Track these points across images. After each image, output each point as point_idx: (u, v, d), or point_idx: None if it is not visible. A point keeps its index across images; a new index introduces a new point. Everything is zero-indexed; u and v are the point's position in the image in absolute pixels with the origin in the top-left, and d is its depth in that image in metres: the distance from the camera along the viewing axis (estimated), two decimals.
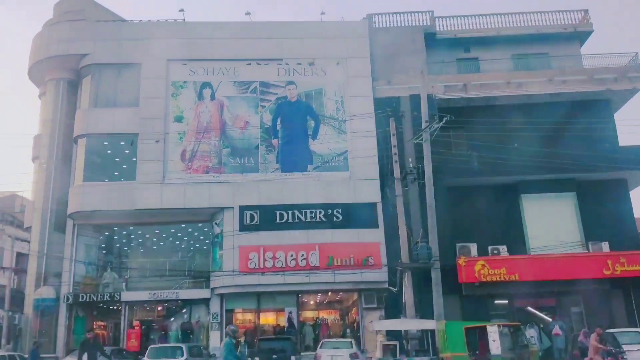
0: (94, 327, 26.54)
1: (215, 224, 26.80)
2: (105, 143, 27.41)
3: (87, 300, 26.09)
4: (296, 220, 25.94)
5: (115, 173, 27.29)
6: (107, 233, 28.98)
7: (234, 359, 11.57)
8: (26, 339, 27.58)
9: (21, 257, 36.91)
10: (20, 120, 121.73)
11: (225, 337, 12.20)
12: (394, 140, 24.02)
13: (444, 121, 20.45)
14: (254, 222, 25.89)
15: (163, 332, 26.43)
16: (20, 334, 32.35)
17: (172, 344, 21.85)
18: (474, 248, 25.23)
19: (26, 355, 23.80)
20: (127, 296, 26.25)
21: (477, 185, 26.43)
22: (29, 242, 29.37)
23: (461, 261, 24.47)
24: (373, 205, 26.05)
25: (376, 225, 25.70)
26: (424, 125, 21.48)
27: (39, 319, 26.97)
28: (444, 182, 25.41)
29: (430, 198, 20.78)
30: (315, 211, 26.13)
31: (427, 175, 21.01)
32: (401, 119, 25.97)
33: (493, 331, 15.95)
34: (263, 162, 27.21)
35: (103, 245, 29.11)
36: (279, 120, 27.85)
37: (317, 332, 26.09)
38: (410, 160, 24.50)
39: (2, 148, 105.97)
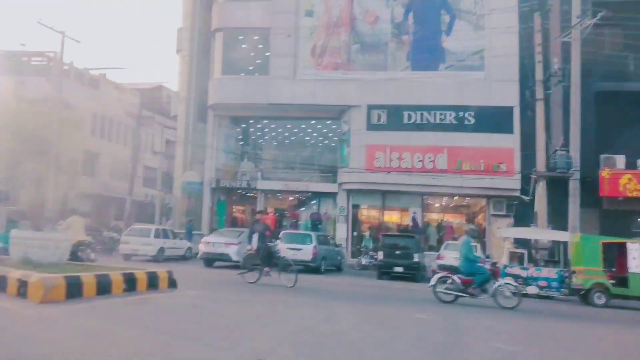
0: (233, 210, 29.52)
1: (344, 121, 27.50)
2: (240, 37, 28.60)
3: (227, 186, 28.82)
4: (424, 122, 25.74)
5: (250, 67, 28.63)
6: (243, 125, 31.05)
7: (474, 257, 12.11)
8: (175, 216, 31.52)
9: (169, 143, 41.12)
10: (166, 12, 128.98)
11: (465, 235, 12.58)
12: (538, 38, 22.15)
13: (598, 17, 18.50)
14: (381, 122, 26.16)
15: (294, 220, 28.63)
16: (170, 212, 37.06)
17: (302, 231, 23.73)
18: (620, 160, 23.48)
19: (177, 230, 27.37)
20: (262, 185, 28.50)
21: (631, 91, 23.99)
22: (175, 129, 32.48)
23: (605, 173, 23.02)
24: (509, 109, 24.92)
25: (511, 131, 24.74)
26: (574, 21, 19.58)
27: (186, 200, 30.52)
28: (593, 86, 23.37)
29: (575, 103, 19.40)
30: (446, 113, 25.65)
31: (573, 78, 19.50)
32: (548, 13, 23.79)
33: (634, 248, 15.34)
34: (392, 59, 26.80)
35: (240, 137, 31.33)
36: (410, 15, 26.83)
37: (441, 234, 26.68)
38: (555, 60, 22.64)
39: (150, 41, 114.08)
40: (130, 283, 10.50)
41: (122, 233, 25.39)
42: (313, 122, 30.13)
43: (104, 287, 9.76)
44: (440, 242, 25.29)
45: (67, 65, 29.19)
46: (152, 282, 11.12)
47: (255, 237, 13.85)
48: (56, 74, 27.08)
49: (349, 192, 26.95)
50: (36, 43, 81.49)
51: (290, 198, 30.38)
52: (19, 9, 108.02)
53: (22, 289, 8.74)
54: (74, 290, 9.08)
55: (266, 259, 13.61)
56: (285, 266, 13.76)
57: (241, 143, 31.36)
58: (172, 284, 11.61)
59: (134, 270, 11.30)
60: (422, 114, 25.79)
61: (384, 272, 20.02)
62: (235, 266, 19.83)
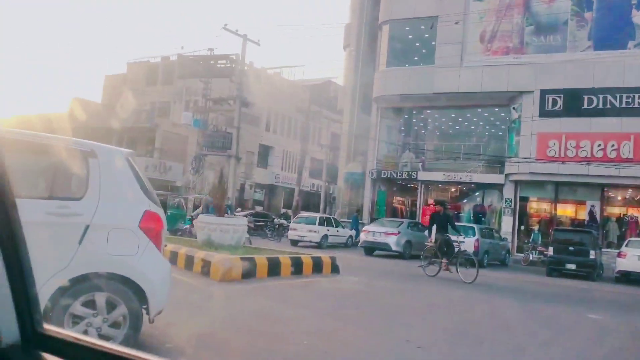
0: (394, 201, 29.69)
1: (513, 108, 25.95)
2: (407, 28, 28.55)
3: (388, 177, 29.09)
4: (608, 106, 23.15)
5: (415, 58, 28.45)
6: (405, 116, 31.02)
7: None
8: (338, 206, 32.74)
9: (335, 136, 42.80)
10: (334, 10, 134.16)
11: None
12: None
13: None
14: (556, 107, 24.14)
15: (456, 212, 27.91)
16: (334, 202, 38.63)
17: (464, 224, 22.99)
18: None
19: (341, 219, 28.41)
20: (423, 176, 28.26)
21: None
22: (341, 123, 33.69)
23: None
24: None
25: None
26: None
27: (348, 190, 31.52)
28: None
29: None
30: (634, 96, 22.79)
31: None
32: None
33: None
34: (572, 39, 24.50)
35: (402, 128, 31.37)
36: None
37: (623, 229, 23.91)
38: None
39: (318, 38, 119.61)
40: (298, 266, 11.27)
41: (290, 220, 27.16)
42: (479, 110, 28.94)
43: (274, 269, 10.64)
44: (621, 238, 22.67)
45: (247, 65, 31.92)
46: (317, 266, 11.79)
47: (434, 229, 13.39)
48: (237, 74, 29.79)
49: (517, 183, 25.44)
50: (222, 47, 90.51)
51: (453, 189, 29.63)
52: (206, 16, 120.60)
53: (205, 268, 9.93)
54: (249, 270, 10.05)
55: (444, 251, 13.15)
56: (465, 260, 13.34)
57: (403, 134, 31.36)
58: (335, 269, 12.17)
59: (301, 255, 12.10)
60: (605, 98, 23.26)
61: (554, 268, 18.58)
62: (394, 256, 20.02)
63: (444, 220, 13.56)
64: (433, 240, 13.42)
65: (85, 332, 4.14)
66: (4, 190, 0.94)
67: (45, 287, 3.88)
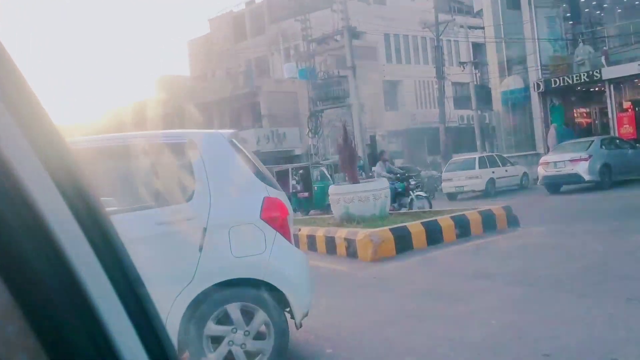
0: (574, 115, 28.09)
1: None
2: None
3: (561, 84, 27.34)
4: None
5: None
6: None
7: None
8: (501, 138, 31.60)
9: (477, 47, 41.07)
10: None
11: None
12: None
13: None
14: None
15: None
16: (493, 134, 37.33)
17: None
18: None
19: (506, 154, 27.46)
20: (609, 73, 26.12)
21: None
22: (482, 28, 32.17)
23: None
24: None
25: None
26: None
27: (510, 114, 30.24)
28: None
29: None
30: None
31: None
32: None
33: None
34: None
35: (568, 15, 29.31)
36: None
37: None
38: None
39: None
40: (463, 227, 11.10)
41: (441, 169, 26.81)
42: None
43: (434, 236, 10.58)
44: None
45: None
46: (488, 222, 11.52)
47: None
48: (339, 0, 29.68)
49: None
50: None
51: None
52: None
53: (351, 248, 10.15)
54: (403, 243, 10.09)
55: None
56: None
57: (571, 23, 29.29)
58: (513, 221, 11.82)
59: (464, 212, 11.89)
60: None
61: None
62: (589, 188, 18.97)
63: None
64: None
65: (230, 354, 4.41)
66: (96, 210, 0.97)
67: (173, 311, 4.18)
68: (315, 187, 21.91)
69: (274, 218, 4.63)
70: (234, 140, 4.88)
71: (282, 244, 4.64)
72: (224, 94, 36.35)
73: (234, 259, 4.46)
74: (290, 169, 23.33)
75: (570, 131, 26.89)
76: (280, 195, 4.87)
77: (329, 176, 23.06)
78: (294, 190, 22.03)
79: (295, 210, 22.95)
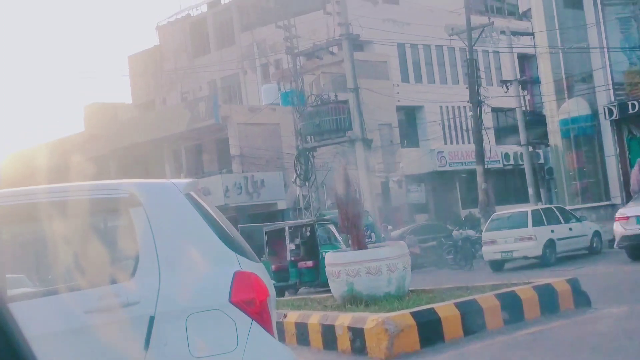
0: None
1: None
2: None
3: None
4: None
5: None
6: None
7: None
8: (561, 183, 31.69)
9: (525, 60, 41.62)
10: None
11: None
12: None
13: None
14: None
15: None
16: (550, 177, 37.49)
17: None
18: None
19: (569, 206, 27.54)
20: None
21: None
22: (532, 34, 32.61)
23: None
24: None
25: None
26: None
27: (572, 150, 30.40)
28: None
29: None
30: None
31: None
32: None
33: None
34: None
35: None
36: None
37: None
38: None
39: None
40: (513, 309, 11.01)
41: (480, 228, 26.78)
42: None
43: (473, 322, 10.48)
44: None
45: None
46: (548, 302, 11.45)
47: None
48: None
49: None
50: None
51: None
52: None
53: (358, 340, 10.01)
54: (430, 332, 9.98)
55: None
56: None
57: None
58: (582, 300, 11.75)
59: (514, 287, 11.82)
60: None
61: None
62: None
63: None
64: None
65: None
66: None
67: None
68: (324, 254, 21.79)
69: (249, 301, 4.58)
70: (192, 194, 4.86)
71: (261, 338, 4.58)
72: (179, 127, 36.54)
73: None
74: (286, 228, 23.29)
75: None
76: (257, 269, 4.83)
77: (339, 238, 23.03)
78: (292, 258, 21.95)
79: (295, 288, 22.69)
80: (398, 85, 43.19)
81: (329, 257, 13.17)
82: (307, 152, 34.36)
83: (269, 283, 4.91)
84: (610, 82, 28.42)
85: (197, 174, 34.81)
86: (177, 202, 4.75)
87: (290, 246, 22.43)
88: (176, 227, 4.70)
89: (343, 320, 10.63)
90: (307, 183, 34.41)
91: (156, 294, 4.40)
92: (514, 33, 36.39)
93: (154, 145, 35.80)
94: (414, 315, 10.15)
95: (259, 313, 4.62)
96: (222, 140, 37.45)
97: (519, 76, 38.79)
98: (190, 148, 38.79)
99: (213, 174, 35.66)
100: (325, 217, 25.92)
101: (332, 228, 23.48)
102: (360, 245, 12.94)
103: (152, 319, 4.34)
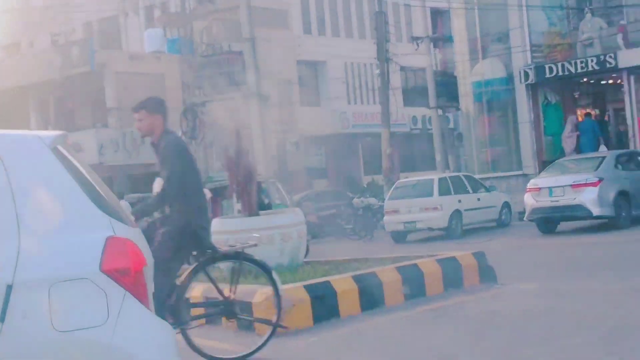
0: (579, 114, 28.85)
1: None
2: None
3: (559, 73, 28.25)
4: None
5: None
6: None
7: None
8: (471, 150, 32.25)
9: (438, 16, 42.07)
10: None
11: None
12: None
13: None
14: None
15: None
16: (460, 143, 38.10)
17: None
18: None
19: (478, 175, 28.09)
20: (628, 58, 27.20)
21: None
22: None
23: None
24: None
25: None
26: None
27: (485, 115, 30.95)
28: None
29: None
30: None
31: None
32: None
33: None
34: None
35: None
36: None
37: None
38: None
39: None
40: (414, 283, 11.20)
41: (383, 196, 27.08)
42: None
43: (371, 297, 10.61)
44: None
45: None
46: (452, 276, 11.68)
47: None
48: None
49: None
50: None
51: None
52: None
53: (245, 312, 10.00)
54: (325, 307, 10.06)
55: None
56: None
57: None
58: (488, 275, 12.02)
59: (417, 260, 12.01)
60: None
61: None
62: (599, 226, 19.57)
63: None
64: None
65: None
66: None
67: None
68: None
69: (123, 270, 4.50)
70: (60, 148, 4.74)
71: (135, 311, 4.51)
72: (48, 74, 35.51)
73: (57, 335, 4.30)
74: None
75: (605, 126, 27.71)
76: (134, 235, 4.76)
77: (287, 197, 22.81)
78: None
79: None
80: (299, 37, 43.08)
81: (216, 224, 13.09)
82: (195, 108, 34.01)
83: (147, 250, 4.85)
84: (527, 43, 28.86)
85: (67, 127, 33.99)
86: (42, 157, 4.61)
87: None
88: (40, 185, 4.57)
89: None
90: (194, 141, 34.04)
91: (15, 260, 4.28)
92: None
93: (17, 92, 34.71)
94: (308, 288, 10.19)
95: (133, 284, 4.54)
96: (97, 90, 36.56)
97: (430, 33, 39.23)
98: (60, 98, 37.76)
99: (86, 129, 34.92)
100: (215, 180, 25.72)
101: (280, 187, 23.33)
102: (251, 211, 12.91)
103: (9, 288, 4.23)
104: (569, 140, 26.89)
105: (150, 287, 4.81)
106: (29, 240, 4.35)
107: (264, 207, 20.81)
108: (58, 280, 4.35)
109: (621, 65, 27.28)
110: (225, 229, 12.60)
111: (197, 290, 10.35)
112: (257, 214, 13.07)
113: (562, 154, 27.24)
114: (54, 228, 4.52)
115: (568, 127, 27.46)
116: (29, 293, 4.28)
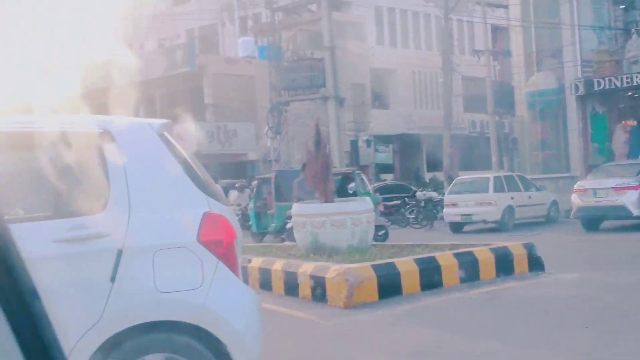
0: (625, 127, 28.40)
1: None
2: None
3: (606, 87, 27.82)
4: None
5: None
6: None
7: None
8: (524, 153, 31.91)
9: (498, 32, 41.54)
10: None
11: None
12: None
13: None
14: None
15: None
16: (514, 147, 37.73)
17: None
18: None
19: (530, 175, 27.71)
20: None
21: None
22: (505, 7, 32.51)
23: None
24: None
25: None
26: None
27: (537, 122, 30.58)
28: None
29: None
30: None
31: None
32: None
33: None
34: None
35: None
36: None
37: None
38: None
39: None
40: (470, 268, 11.13)
41: (443, 190, 26.93)
42: None
43: (431, 278, 10.58)
44: None
45: None
46: (503, 264, 11.58)
47: None
48: None
49: None
50: None
51: None
52: None
53: (318, 288, 10.06)
54: (389, 285, 10.06)
55: None
56: None
57: (622, 7, 29.70)
58: (536, 264, 11.90)
59: (472, 248, 11.93)
60: None
61: None
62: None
63: None
64: None
65: None
66: None
67: None
68: None
69: (217, 242, 4.56)
70: (167, 135, 4.81)
71: (226, 278, 4.57)
72: (154, 73, 36.05)
73: (159, 295, 4.37)
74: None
75: None
76: (226, 212, 4.82)
77: (370, 186, 22.68)
78: None
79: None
80: (373, 47, 42.97)
81: (295, 208, 13.18)
82: (281, 106, 34.26)
83: (237, 226, 4.90)
84: (578, 58, 28.56)
85: (170, 120, 34.45)
86: (151, 141, 4.69)
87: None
88: (149, 165, 4.65)
89: (306, 268, 10.69)
90: (278, 136, 34.32)
91: (125, 228, 4.36)
92: (489, 4, 36.33)
93: (131, 88, 35.34)
94: (375, 268, 10.23)
95: (225, 254, 4.60)
96: (196, 88, 37.14)
97: (490, 47, 38.87)
98: (165, 95, 38.37)
99: (186, 122, 35.28)
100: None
101: (364, 177, 23.39)
102: (327, 198, 12.94)
103: (120, 253, 4.31)
104: (622, 145, 26.52)
105: (240, 259, 4.86)
106: (138, 213, 4.43)
107: (350, 194, 20.85)
108: (161, 248, 4.42)
109: None
110: (303, 213, 12.70)
111: None
112: (332, 201, 13.10)
113: (608, 158, 26.89)
114: (159, 203, 4.60)
115: (620, 133, 27.07)
116: (136, 258, 4.36)
